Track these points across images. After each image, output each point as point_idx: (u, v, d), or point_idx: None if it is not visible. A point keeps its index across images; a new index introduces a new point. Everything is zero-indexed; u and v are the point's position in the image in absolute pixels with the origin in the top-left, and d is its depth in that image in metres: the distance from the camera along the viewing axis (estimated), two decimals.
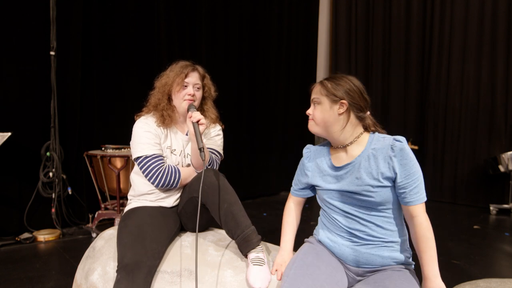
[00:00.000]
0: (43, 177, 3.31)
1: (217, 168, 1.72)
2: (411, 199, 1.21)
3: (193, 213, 1.58)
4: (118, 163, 3.27)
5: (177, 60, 1.76)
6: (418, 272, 1.29)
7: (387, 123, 5.29)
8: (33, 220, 3.32)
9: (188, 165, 1.72)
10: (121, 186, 3.33)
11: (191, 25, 4.44)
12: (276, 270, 1.37)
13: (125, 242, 1.40)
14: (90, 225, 3.49)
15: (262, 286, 1.29)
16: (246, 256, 1.42)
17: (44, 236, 3.20)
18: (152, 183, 1.61)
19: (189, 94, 1.67)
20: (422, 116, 5.21)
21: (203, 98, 1.79)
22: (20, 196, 3.27)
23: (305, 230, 1.54)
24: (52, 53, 3.33)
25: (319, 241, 1.40)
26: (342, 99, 1.27)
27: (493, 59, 4.63)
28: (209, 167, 1.64)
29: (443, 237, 3.39)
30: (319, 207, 1.46)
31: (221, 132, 1.84)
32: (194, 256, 1.44)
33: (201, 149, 1.43)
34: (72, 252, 2.90)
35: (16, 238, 3.13)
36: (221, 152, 1.80)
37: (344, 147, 1.32)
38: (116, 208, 3.41)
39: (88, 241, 3.17)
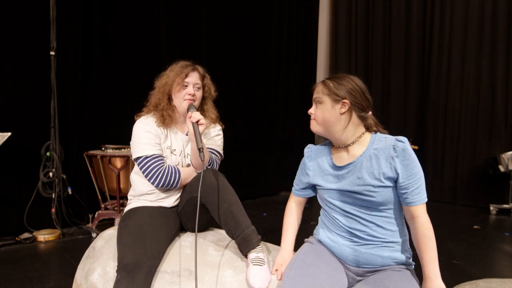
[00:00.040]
0: (43, 177, 3.31)
1: (217, 168, 1.72)
2: (412, 199, 1.22)
3: (193, 213, 1.58)
4: (118, 163, 3.27)
5: (177, 60, 1.76)
6: (418, 272, 1.29)
7: (387, 123, 5.29)
8: (33, 220, 3.32)
9: (188, 165, 1.72)
10: (121, 186, 3.33)
11: (191, 25, 4.44)
12: (276, 270, 1.37)
13: (125, 242, 1.40)
14: (90, 225, 3.49)
15: (262, 286, 1.29)
16: (246, 256, 1.42)
17: (44, 236, 3.20)
18: (152, 183, 1.61)
19: (190, 94, 1.67)
20: (422, 116, 5.21)
21: (203, 98, 1.79)
22: (20, 196, 3.27)
23: (305, 230, 1.54)
24: (52, 53, 3.33)
25: (319, 241, 1.40)
26: (344, 99, 1.27)
27: (493, 59, 4.63)
28: (209, 167, 1.64)
29: (443, 237, 3.39)
30: (319, 207, 1.46)
31: (221, 132, 1.84)
32: (194, 256, 1.44)
33: (200, 149, 1.43)
34: (72, 252, 2.90)
35: (16, 238, 3.13)
36: (221, 152, 1.80)
37: (345, 146, 1.32)
38: (116, 208, 3.41)
39: (88, 241, 3.17)
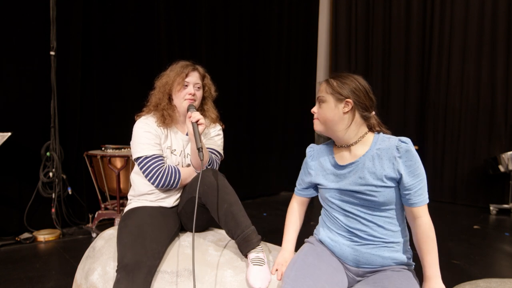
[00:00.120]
0: (43, 177, 3.31)
1: (217, 168, 1.72)
2: (415, 200, 1.22)
3: (193, 213, 1.58)
4: (118, 163, 3.27)
5: (177, 60, 1.76)
6: (418, 273, 1.29)
7: (387, 123, 5.25)
8: (33, 220, 3.32)
9: (188, 165, 1.72)
10: (121, 186, 3.33)
11: (191, 25, 4.44)
12: (277, 270, 1.37)
13: (125, 242, 1.40)
14: (90, 225, 3.49)
15: (262, 286, 1.29)
16: (246, 256, 1.42)
17: (44, 236, 3.20)
18: (152, 184, 1.61)
19: (190, 94, 1.67)
20: (422, 116, 5.21)
21: (203, 98, 1.79)
22: (20, 196, 3.27)
23: (305, 230, 1.54)
24: (52, 53, 3.33)
25: (320, 241, 1.40)
26: (347, 98, 1.27)
27: (493, 59, 4.63)
28: (209, 167, 1.64)
29: (443, 237, 3.39)
30: (319, 207, 1.46)
31: (221, 132, 1.84)
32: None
33: (199, 149, 1.43)
34: (72, 252, 2.90)
35: (16, 238, 3.13)
36: (221, 152, 1.80)
37: (348, 146, 1.32)
38: (116, 208, 3.41)
39: (88, 241, 3.17)
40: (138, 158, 1.62)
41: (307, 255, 1.31)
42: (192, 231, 1.67)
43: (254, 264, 1.35)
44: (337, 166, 1.34)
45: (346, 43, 5.96)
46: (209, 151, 1.70)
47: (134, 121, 1.70)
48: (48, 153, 3.33)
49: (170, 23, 4.23)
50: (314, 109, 1.35)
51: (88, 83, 3.66)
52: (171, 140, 1.71)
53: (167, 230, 1.53)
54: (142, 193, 1.66)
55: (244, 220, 1.46)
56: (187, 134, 1.75)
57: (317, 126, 1.35)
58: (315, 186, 1.46)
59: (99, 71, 3.73)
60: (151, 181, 1.60)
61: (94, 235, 3.32)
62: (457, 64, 4.87)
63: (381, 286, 1.18)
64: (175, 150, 1.71)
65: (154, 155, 1.61)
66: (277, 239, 1.79)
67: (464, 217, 4.19)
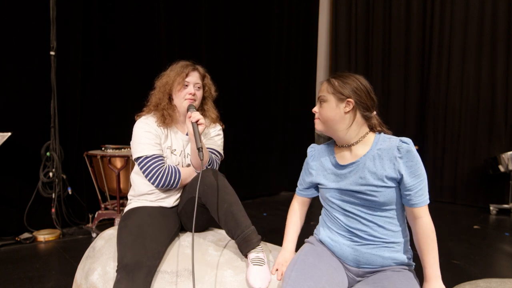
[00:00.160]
0: (43, 177, 3.31)
1: (217, 168, 1.72)
2: (416, 201, 1.22)
3: (193, 213, 1.58)
4: (118, 163, 3.27)
5: (177, 60, 1.76)
6: (418, 273, 1.29)
7: (387, 123, 5.26)
8: (33, 220, 3.32)
9: (188, 165, 1.72)
10: (121, 186, 3.33)
11: (191, 25, 4.44)
12: (277, 270, 1.37)
13: (125, 242, 1.40)
14: (90, 225, 3.49)
15: (262, 286, 1.29)
16: (246, 256, 1.42)
17: (44, 236, 3.20)
18: (152, 183, 1.61)
19: (190, 93, 1.67)
20: (422, 116, 5.21)
21: (204, 98, 1.79)
22: (20, 196, 3.27)
23: (305, 230, 1.54)
24: (52, 53, 3.33)
25: (320, 241, 1.40)
26: (348, 98, 1.27)
27: (493, 59, 4.63)
28: (209, 167, 1.64)
29: (443, 237, 3.39)
30: (319, 207, 1.46)
31: (221, 132, 1.84)
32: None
33: (199, 149, 1.43)
34: (72, 252, 2.90)
35: (16, 238, 3.13)
36: (221, 152, 1.80)
37: (349, 146, 1.32)
38: (116, 208, 3.41)
39: (88, 241, 3.17)
40: (138, 158, 1.62)
41: (308, 255, 1.31)
42: (192, 231, 1.67)
43: (254, 264, 1.35)
44: (337, 166, 1.34)
45: (346, 43, 5.96)
46: (209, 151, 1.70)
47: (134, 121, 1.70)
48: (48, 153, 3.33)
49: (170, 23, 4.23)
50: (315, 109, 1.35)
51: (88, 83, 3.66)
52: (171, 140, 1.71)
53: (167, 230, 1.53)
54: (142, 193, 1.66)
55: (244, 220, 1.46)
56: (187, 134, 1.75)
57: (318, 126, 1.35)
58: (316, 186, 1.46)
59: (99, 71, 3.73)
60: (151, 181, 1.60)
61: (94, 235, 3.32)
62: (457, 64, 4.87)
63: (381, 286, 1.18)
64: (175, 150, 1.71)
65: (154, 155, 1.61)
66: (277, 239, 1.79)
67: (464, 217, 4.19)
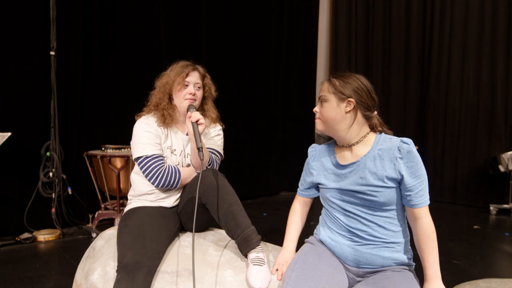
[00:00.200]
0: (43, 177, 3.31)
1: (217, 168, 1.72)
2: (416, 201, 1.22)
3: (193, 213, 1.58)
4: (118, 163, 3.27)
5: (177, 60, 1.76)
6: (418, 273, 1.29)
7: (387, 123, 5.26)
8: (33, 220, 3.32)
9: (188, 165, 1.72)
10: (121, 186, 3.33)
11: (191, 25, 4.44)
12: (277, 270, 1.37)
13: (125, 242, 1.40)
14: (90, 225, 3.49)
15: (262, 286, 1.29)
16: (246, 256, 1.42)
17: (44, 236, 3.20)
18: (152, 183, 1.61)
19: (190, 93, 1.67)
20: (422, 116, 5.21)
21: (204, 98, 1.79)
22: (20, 196, 3.27)
23: (305, 230, 1.54)
24: (52, 53, 3.33)
25: (320, 241, 1.40)
26: (349, 97, 1.27)
27: (493, 59, 4.63)
28: (209, 167, 1.64)
29: (443, 237, 3.39)
30: (319, 207, 1.46)
31: (221, 132, 1.84)
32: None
33: (199, 149, 1.43)
34: (72, 252, 2.90)
35: (16, 238, 3.13)
36: (221, 152, 1.80)
37: (349, 146, 1.32)
38: (116, 208, 3.41)
39: (88, 241, 3.17)
40: (138, 158, 1.62)
41: (308, 255, 1.31)
42: (192, 231, 1.67)
43: (254, 264, 1.35)
44: (338, 165, 1.34)
45: (346, 43, 5.96)
46: (209, 151, 1.70)
47: (134, 121, 1.70)
48: (48, 153, 3.33)
49: (170, 23, 4.23)
50: (316, 109, 1.35)
51: (88, 83, 3.66)
52: (171, 140, 1.71)
53: (167, 230, 1.53)
54: (142, 193, 1.66)
55: (244, 220, 1.46)
56: (187, 134, 1.75)
57: (319, 126, 1.35)
58: (317, 186, 1.46)
59: (99, 71, 3.73)
60: (151, 181, 1.60)
61: (94, 235, 3.32)
62: (457, 64, 4.87)
63: (382, 287, 1.18)
64: (175, 150, 1.71)
65: (154, 155, 1.61)
66: (277, 239, 1.79)
67: (464, 217, 4.19)
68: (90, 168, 3.46)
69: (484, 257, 2.90)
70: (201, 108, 1.79)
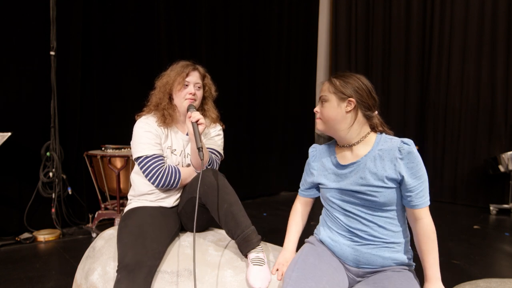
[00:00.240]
0: (43, 177, 3.31)
1: (217, 168, 1.72)
2: (417, 202, 1.22)
3: (193, 213, 1.58)
4: (118, 163, 3.27)
5: (177, 60, 1.76)
6: (418, 273, 1.29)
7: (387, 123, 5.27)
8: (33, 220, 3.32)
9: (188, 165, 1.72)
10: (121, 186, 3.33)
11: (191, 25, 4.44)
12: (277, 270, 1.37)
13: (126, 242, 1.40)
14: (90, 225, 3.49)
15: (262, 286, 1.29)
16: (246, 256, 1.42)
17: (44, 236, 3.20)
18: (152, 183, 1.61)
19: (191, 93, 1.67)
20: (422, 116, 5.21)
21: (204, 98, 1.79)
22: (20, 196, 3.27)
23: (305, 230, 1.54)
24: (52, 53, 3.33)
25: (320, 240, 1.40)
26: (350, 97, 1.27)
27: (493, 59, 4.63)
28: (209, 167, 1.64)
29: (443, 237, 3.39)
30: (319, 207, 1.46)
31: (221, 132, 1.84)
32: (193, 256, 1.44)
33: (199, 149, 1.43)
34: (72, 252, 2.90)
35: (16, 238, 3.13)
36: (221, 152, 1.80)
37: (350, 146, 1.32)
38: (116, 208, 3.41)
39: (88, 241, 3.17)
40: (139, 157, 1.62)
41: (308, 255, 1.31)
42: (192, 231, 1.67)
43: (254, 264, 1.35)
44: (338, 165, 1.34)
45: (346, 43, 5.96)
46: (209, 151, 1.70)
47: (134, 121, 1.70)
48: (48, 153, 3.33)
49: (170, 23, 4.23)
50: (317, 109, 1.35)
51: (88, 83, 3.66)
52: (172, 140, 1.71)
53: (167, 230, 1.54)
54: (142, 193, 1.66)
55: (244, 220, 1.46)
56: (187, 134, 1.75)
57: (320, 126, 1.35)
58: (318, 186, 1.46)
59: (99, 71, 3.73)
60: (151, 181, 1.60)
61: (94, 235, 3.32)
62: (457, 64, 4.87)
63: (381, 287, 1.18)
64: (175, 150, 1.71)
65: (154, 154, 1.61)
66: (277, 239, 1.79)
67: (464, 217, 4.19)
68: (90, 168, 3.46)
69: (484, 257, 2.90)
70: (201, 108, 1.79)
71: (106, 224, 3.60)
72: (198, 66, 1.75)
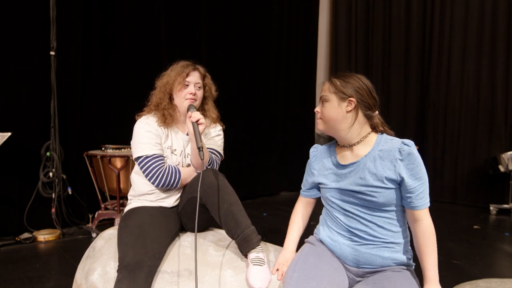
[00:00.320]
0: (43, 177, 3.31)
1: (217, 168, 1.72)
2: (417, 203, 1.22)
3: (193, 213, 1.58)
4: (118, 163, 3.27)
5: (177, 60, 1.76)
6: (417, 273, 1.29)
7: (387, 123, 5.28)
8: (33, 220, 3.32)
9: (188, 165, 1.72)
10: (121, 186, 3.33)
11: (191, 25, 4.44)
12: (277, 270, 1.37)
13: (126, 242, 1.40)
14: (90, 225, 3.49)
15: (262, 286, 1.29)
16: (246, 256, 1.42)
17: (44, 236, 3.20)
18: (153, 183, 1.61)
19: (191, 93, 1.67)
20: (422, 116, 5.21)
21: (204, 98, 1.79)
22: (20, 196, 3.27)
23: (305, 230, 1.54)
24: (52, 53, 3.33)
25: (320, 240, 1.40)
26: (350, 97, 1.27)
27: (493, 59, 4.63)
28: (209, 167, 1.64)
29: (443, 237, 3.39)
30: (319, 207, 1.46)
31: (221, 132, 1.84)
32: (194, 256, 1.44)
33: (199, 149, 1.43)
34: (72, 252, 2.90)
35: (16, 238, 3.13)
36: (221, 152, 1.80)
37: (350, 146, 1.32)
38: (116, 208, 3.41)
39: (88, 241, 3.17)
40: (139, 157, 1.62)
41: (308, 255, 1.31)
42: (192, 231, 1.67)
43: (254, 264, 1.35)
44: (338, 165, 1.35)
45: (346, 43, 5.96)
46: (209, 151, 1.70)
47: (134, 121, 1.70)
48: (48, 153, 3.33)
49: (170, 23, 4.23)
50: (318, 109, 1.35)
51: (88, 83, 3.66)
52: (172, 140, 1.71)
53: (167, 230, 1.54)
54: (142, 193, 1.66)
55: (244, 220, 1.46)
56: (187, 134, 1.75)
57: (320, 126, 1.35)
58: (319, 187, 1.46)
59: (99, 71, 3.73)
60: (151, 181, 1.60)
61: (94, 235, 3.32)
62: (457, 64, 4.87)
63: (381, 287, 1.18)
64: (175, 150, 1.71)
65: (154, 154, 1.61)
66: (277, 239, 1.79)
67: (464, 217, 4.19)
68: (90, 168, 3.46)
69: (484, 257, 2.90)
70: (202, 108, 1.79)
71: (106, 224, 3.60)
72: (198, 66, 1.75)
